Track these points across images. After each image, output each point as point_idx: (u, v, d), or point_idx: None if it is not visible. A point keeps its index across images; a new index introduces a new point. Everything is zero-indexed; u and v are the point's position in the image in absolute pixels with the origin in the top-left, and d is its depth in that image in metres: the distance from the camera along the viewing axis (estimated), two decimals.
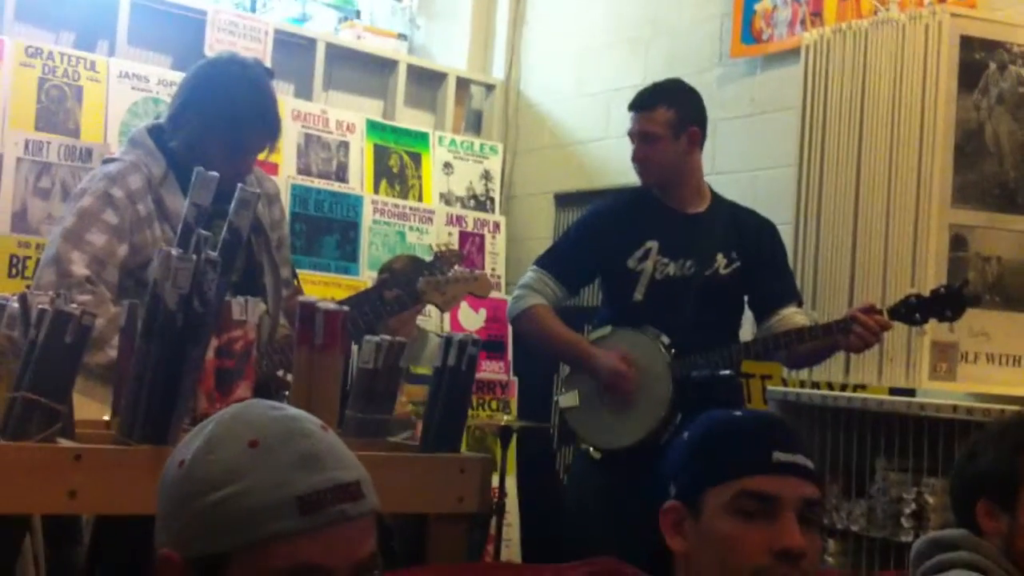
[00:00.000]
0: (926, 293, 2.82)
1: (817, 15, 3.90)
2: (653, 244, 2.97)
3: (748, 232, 3.06)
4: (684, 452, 1.48)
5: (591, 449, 2.98)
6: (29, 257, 3.69)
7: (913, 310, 2.78)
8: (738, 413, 1.55)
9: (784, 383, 3.51)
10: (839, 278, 3.53)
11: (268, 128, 2.51)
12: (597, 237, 3.06)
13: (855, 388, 3.37)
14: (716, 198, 3.11)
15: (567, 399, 3.02)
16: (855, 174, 3.54)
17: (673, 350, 2.88)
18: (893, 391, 3.29)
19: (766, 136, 4.09)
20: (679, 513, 1.44)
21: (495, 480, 3.53)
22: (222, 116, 2.43)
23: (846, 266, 3.51)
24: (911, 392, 3.25)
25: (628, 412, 2.90)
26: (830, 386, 3.44)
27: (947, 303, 2.76)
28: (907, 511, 2.90)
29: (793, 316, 2.99)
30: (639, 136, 3.03)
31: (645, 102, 3.05)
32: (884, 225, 3.43)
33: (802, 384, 3.48)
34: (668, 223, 3.00)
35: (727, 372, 2.88)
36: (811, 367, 3.26)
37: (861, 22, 3.61)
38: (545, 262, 3.10)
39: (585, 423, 2.99)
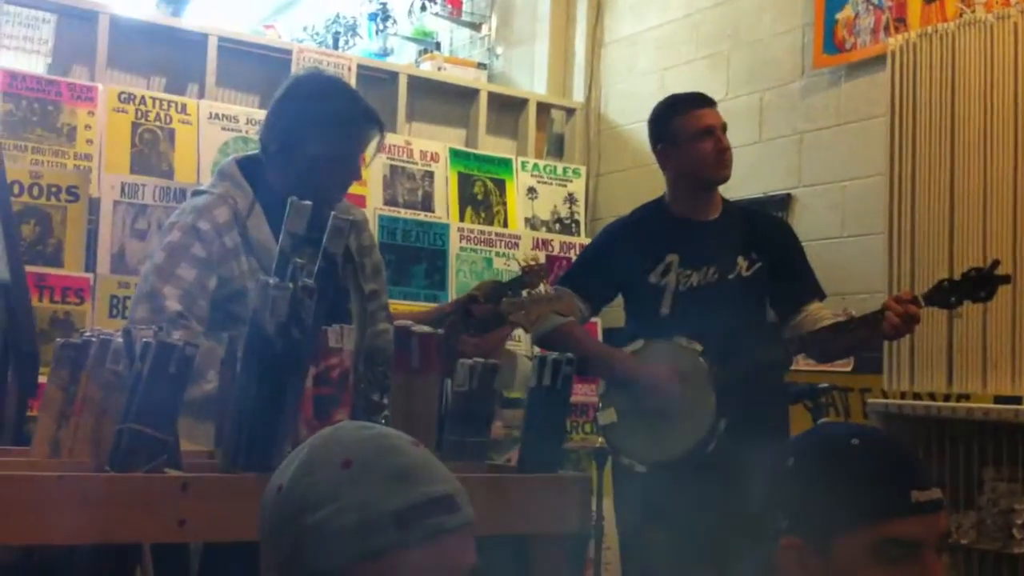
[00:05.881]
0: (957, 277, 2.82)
1: (901, 20, 3.84)
2: (673, 258, 2.98)
3: (765, 232, 3.07)
4: (802, 483, 1.41)
5: (635, 464, 2.95)
6: (128, 296, 3.78)
7: (947, 294, 2.78)
8: (856, 441, 1.41)
9: (884, 395, 3.44)
10: None
11: (374, 117, 2.51)
12: (616, 255, 3.08)
13: (959, 398, 3.29)
14: (727, 203, 3.13)
15: (605, 416, 3.01)
16: (948, 180, 3.47)
17: (708, 357, 2.87)
18: (998, 399, 3.21)
19: (854, 146, 4.03)
20: (801, 552, 1.39)
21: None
22: (334, 120, 2.43)
23: (943, 276, 3.42)
24: (1017, 400, 3.17)
25: (671, 423, 2.88)
26: (932, 396, 3.36)
27: (979, 284, 2.76)
28: (1019, 522, 2.83)
29: (819, 311, 2.98)
30: None
31: None
32: (981, 232, 3.36)
33: (903, 395, 3.41)
34: (685, 234, 3.01)
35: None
36: (839, 359, 3.22)
37: (947, 25, 3.55)
38: (568, 280, 3.13)
39: (628, 438, 2.97)
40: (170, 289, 2.31)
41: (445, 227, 4.69)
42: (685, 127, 3.00)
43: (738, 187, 3.28)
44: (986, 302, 2.86)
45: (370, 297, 2.62)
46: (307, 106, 2.47)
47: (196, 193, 2.51)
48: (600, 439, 3.94)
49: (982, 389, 3.26)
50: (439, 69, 5.30)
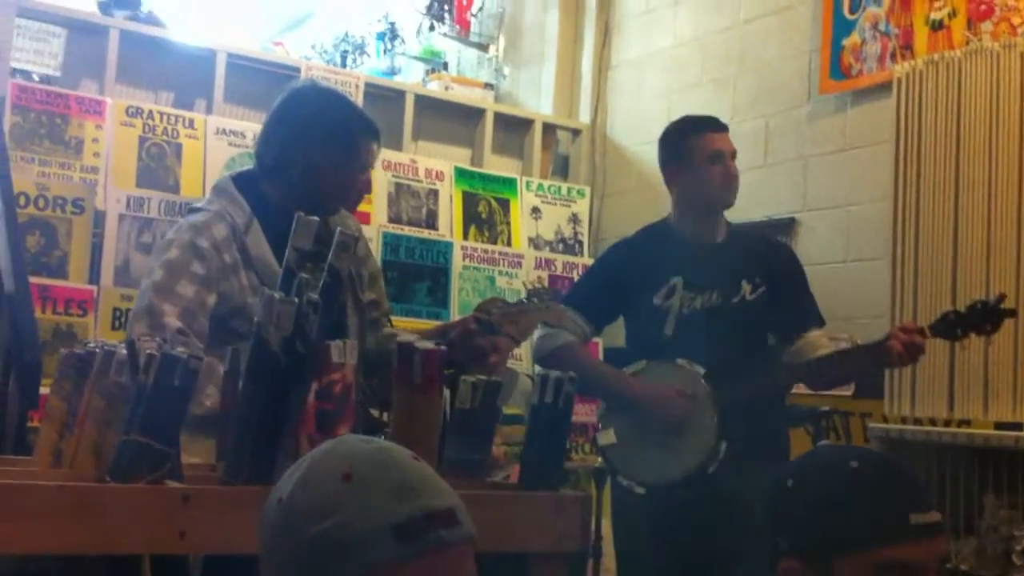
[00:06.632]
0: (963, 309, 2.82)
1: (907, 48, 3.86)
2: (678, 280, 2.99)
3: (769, 257, 3.08)
4: (801, 505, 1.42)
5: (635, 485, 2.94)
6: (131, 309, 3.78)
7: (953, 326, 2.78)
8: (855, 464, 1.42)
9: (885, 419, 3.44)
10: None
11: (371, 126, 2.51)
12: (620, 276, 3.09)
13: (960, 423, 3.29)
14: (732, 227, 3.13)
15: (604, 437, 3.00)
16: (953, 207, 3.47)
17: (711, 380, 2.87)
18: (999, 426, 3.20)
19: (859, 171, 4.04)
20: (801, 574, 1.40)
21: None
22: (330, 130, 2.43)
23: (946, 302, 3.43)
24: (1018, 427, 3.16)
25: (673, 445, 2.88)
26: (933, 422, 3.35)
27: (985, 317, 2.76)
28: (1018, 548, 2.82)
29: (819, 339, 2.99)
30: None
31: None
32: (985, 259, 3.36)
33: (904, 420, 3.40)
34: (690, 257, 3.02)
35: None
36: (836, 387, 3.21)
37: (953, 53, 3.57)
38: (571, 300, 3.12)
39: (627, 459, 2.96)
40: (169, 306, 2.29)
41: (449, 245, 4.70)
42: (698, 149, 3.01)
43: (743, 210, 3.28)
44: (991, 335, 2.85)
45: (370, 307, 2.62)
46: (303, 117, 2.46)
47: (192, 210, 2.48)
48: (599, 459, 3.94)
49: (983, 415, 3.26)
50: (446, 88, 5.32)
